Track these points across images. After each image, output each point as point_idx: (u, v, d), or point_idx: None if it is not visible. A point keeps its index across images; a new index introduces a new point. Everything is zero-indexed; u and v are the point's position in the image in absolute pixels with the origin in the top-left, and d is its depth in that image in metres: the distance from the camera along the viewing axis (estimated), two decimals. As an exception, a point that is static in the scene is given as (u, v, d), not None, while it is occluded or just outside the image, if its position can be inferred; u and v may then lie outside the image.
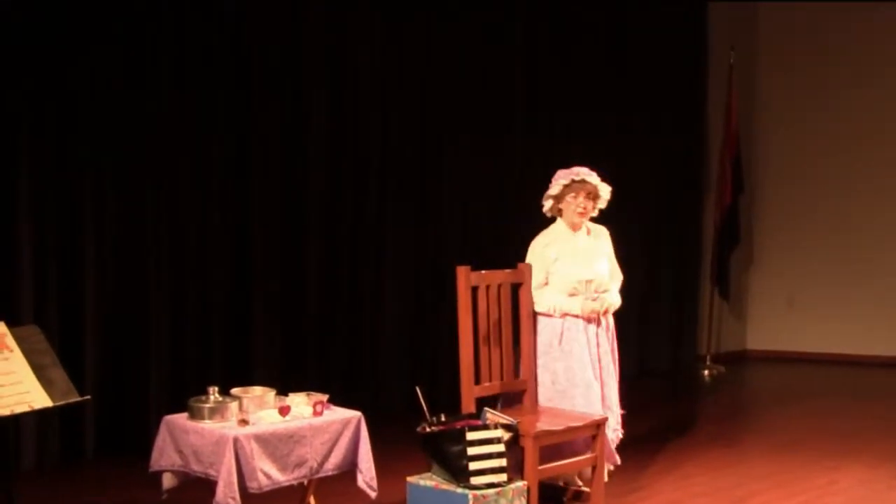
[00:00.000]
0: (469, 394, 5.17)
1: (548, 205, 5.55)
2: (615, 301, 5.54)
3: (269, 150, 6.97)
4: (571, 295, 5.40)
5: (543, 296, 5.44)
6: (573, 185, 5.43)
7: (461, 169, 8.04)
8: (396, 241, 7.67)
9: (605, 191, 5.52)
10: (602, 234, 5.63)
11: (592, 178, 5.47)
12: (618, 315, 5.66)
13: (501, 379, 5.35)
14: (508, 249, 6.15)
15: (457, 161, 8.01)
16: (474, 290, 5.22)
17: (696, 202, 10.15)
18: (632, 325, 9.13)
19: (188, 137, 6.57)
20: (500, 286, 5.35)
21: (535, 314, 5.47)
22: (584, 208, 5.48)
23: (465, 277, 5.18)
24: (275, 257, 7.03)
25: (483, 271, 5.29)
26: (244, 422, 4.44)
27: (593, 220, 5.64)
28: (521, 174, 8.37)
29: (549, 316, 5.42)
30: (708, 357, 10.06)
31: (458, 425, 4.74)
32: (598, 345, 5.44)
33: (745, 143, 10.23)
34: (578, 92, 8.88)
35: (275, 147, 7.00)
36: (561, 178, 5.46)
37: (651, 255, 9.62)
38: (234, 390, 4.70)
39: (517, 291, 5.44)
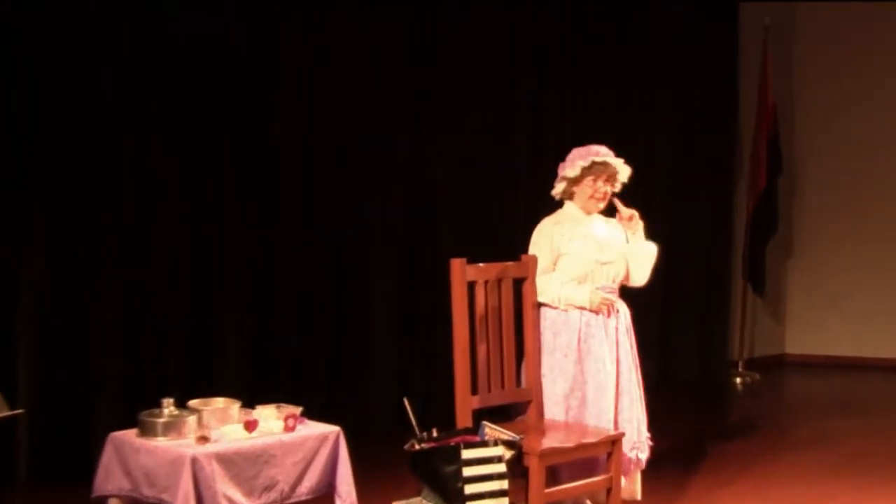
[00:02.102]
0: (465, 405, 5.13)
1: (561, 187, 5.50)
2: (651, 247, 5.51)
3: (238, 139, 7.01)
4: (581, 281, 5.34)
5: (549, 284, 5.38)
6: (594, 168, 5.39)
7: (457, 155, 8.03)
8: (384, 229, 7.68)
9: (625, 173, 5.49)
10: (618, 226, 5.56)
11: (614, 159, 5.45)
12: (637, 316, 5.60)
13: (502, 388, 5.30)
14: (511, 242, 6.15)
15: (453, 147, 7.99)
16: (471, 285, 5.16)
17: (727, 186, 10.11)
18: (654, 327, 9.12)
19: (153, 138, 6.63)
20: (500, 281, 5.29)
21: (540, 307, 5.41)
22: (604, 193, 5.45)
23: (461, 271, 5.13)
24: (243, 247, 7.05)
25: (481, 264, 5.25)
26: (204, 439, 4.48)
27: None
28: (527, 157, 8.38)
29: (555, 308, 5.36)
30: (741, 363, 10.08)
31: (453, 442, 4.70)
32: (617, 344, 5.38)
33: (784, 118, 10.17)
34: (595, 64, 8.88)
35: (243, 137, 7.04)
36: (579, 160, 5.41)
37: (676, 246, 9.53)
38: (193, 402, 4.74)
39: (521, 287, 5.38)
